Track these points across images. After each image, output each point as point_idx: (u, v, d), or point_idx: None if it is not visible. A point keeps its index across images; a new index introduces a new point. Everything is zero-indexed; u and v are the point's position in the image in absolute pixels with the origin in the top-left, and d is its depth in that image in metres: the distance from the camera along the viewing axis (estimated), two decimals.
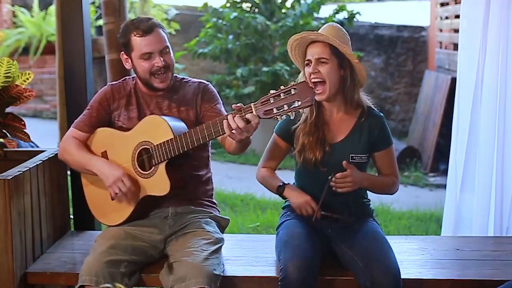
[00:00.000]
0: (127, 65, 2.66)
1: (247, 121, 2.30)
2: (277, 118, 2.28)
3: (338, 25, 2.62)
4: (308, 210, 2.56)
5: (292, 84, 2.28)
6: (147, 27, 2.57)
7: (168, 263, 2.49)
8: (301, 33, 2.57)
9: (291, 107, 2.26)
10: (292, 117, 2.29)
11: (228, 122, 2.32)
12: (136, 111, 2.67)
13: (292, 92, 2.25)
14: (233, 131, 2.31)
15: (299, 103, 2.25)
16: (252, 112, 2.29)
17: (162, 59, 2.57)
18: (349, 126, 2.63)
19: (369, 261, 2.40)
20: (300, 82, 2.28)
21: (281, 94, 2.26)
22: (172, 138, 2.47)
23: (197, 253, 2.41)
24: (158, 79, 2.59)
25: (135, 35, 2.58)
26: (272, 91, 2.29)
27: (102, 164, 2.58)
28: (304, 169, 2.66)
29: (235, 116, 2.31)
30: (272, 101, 2.27)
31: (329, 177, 2.50)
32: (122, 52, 2.67)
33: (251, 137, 2.41)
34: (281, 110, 2.26)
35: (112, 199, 2.59)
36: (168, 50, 2.61)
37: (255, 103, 2.29)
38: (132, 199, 2.56)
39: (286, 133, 2.68)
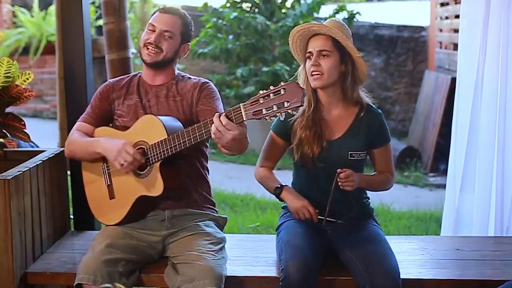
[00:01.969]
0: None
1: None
2: (266, 119, 2.22)
3: (341, 21, 2.62)
4: (306, 214, 2.56)
5: (281, 84, 2.21)
6: (171, 9, 2.68)
7: (171, 263, 2.49)
8: (304, 24, 2.58)
9: (280, 108, 2.19)
10: (282, 118, 2.25)
11: (215, 122, 2.27)
12: (135, 99, 2.70)
13: (282, 93, 2.18)
14: (219, 129, 2.25)
15: (288, 104, 2.17)
16: (241, 112, 2.24)
17: (157, 38, 2.61)
18: (347, 123, 2.63)
19: (369, 264, 2.39)
20: (289, 82, 2.21)
21: (271, 95, 2.20)
22: (166, 138, 2.46)
23: (203, 255, 2.40)
24: (147, 52, 2.64)
25: (158, 11, 2.70)
26: (261, 91, 2.23)
27: (104, 141, 2.59)
28: (301, 165, 2.65)
29: (221, 116, 2.26)
30: (261, 102, 2.21)
31: (334, 180, 2.49)
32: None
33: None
34: (270, 110, 2.20)
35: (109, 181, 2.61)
36: (171, 37, 2.63)
37: (245, 103, 2.25)
38: (136, 167, 2.53)
39: (283, 130, 2.68)
